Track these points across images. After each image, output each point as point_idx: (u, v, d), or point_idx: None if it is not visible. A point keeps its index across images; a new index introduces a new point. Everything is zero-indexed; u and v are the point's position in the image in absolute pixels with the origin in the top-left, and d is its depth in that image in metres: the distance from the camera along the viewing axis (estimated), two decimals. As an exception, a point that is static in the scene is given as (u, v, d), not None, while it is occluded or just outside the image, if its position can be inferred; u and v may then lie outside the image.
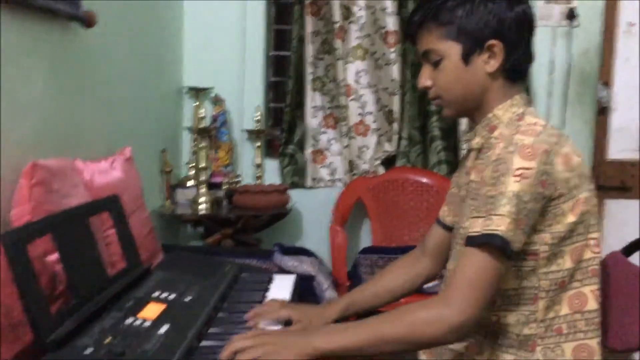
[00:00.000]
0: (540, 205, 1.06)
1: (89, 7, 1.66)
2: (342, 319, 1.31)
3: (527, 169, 1.03)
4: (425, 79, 1.21)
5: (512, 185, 1.03)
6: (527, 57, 1.18)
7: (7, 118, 1.35)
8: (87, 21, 1.61)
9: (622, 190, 2.78)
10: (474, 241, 1.04)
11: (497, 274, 1.04)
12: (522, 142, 1.06)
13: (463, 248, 1.08)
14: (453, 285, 1.05)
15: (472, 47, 1.14)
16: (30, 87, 1.48)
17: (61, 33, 1.62)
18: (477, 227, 1.05)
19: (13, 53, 1.37)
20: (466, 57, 1.15)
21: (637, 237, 1.33)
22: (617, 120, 2.79)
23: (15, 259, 0.97)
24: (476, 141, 1.20)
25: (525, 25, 1.16)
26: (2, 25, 1.33)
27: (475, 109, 1.20)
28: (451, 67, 1.16)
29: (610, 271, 1.21)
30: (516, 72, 1.18)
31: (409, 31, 1.22)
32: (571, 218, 1.09)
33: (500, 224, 1.02)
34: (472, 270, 1.03)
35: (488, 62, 1.15)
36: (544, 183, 1.04)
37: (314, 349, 1.03)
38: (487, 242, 1.02)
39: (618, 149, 2.80)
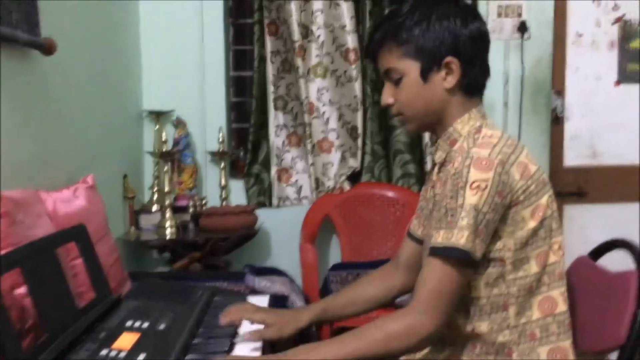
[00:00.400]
0: (499, 215, 1.09)
1: (46, 34, 1.64)
2: (315, 323, 1.32)
3: (484, 180, 1.07)
4: (387, 97, 1.24)
5: (470, 198, 1.06)
6: (483, 72, 1.22)
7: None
8: (47, 48, 1.58)
9: (579, 196, 2.86)
10: (436, 252, 1.09)
11: (460, 283, 1.09)
12: (478, 154, 1.10)
13: (426, 258, 1.12)
14: (419, 295, 1.09)
15: (430, 65, 1.18)
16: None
17: (20, 61, 1.59)
18: (439, 238, 1.08)
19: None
20: (425, 75, 1.18)
21: (597, 240, 1.37)
22: (571, 128, 2.88)
23: (-16, 296, 0.93)
24: (438, 155, 1.24)
25: (480, 42, 1.20)
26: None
27: (436, 123, 1.23)
28: (411, 85, 1.20)
29: (579, 275, 1.25)
30: (473, 87, 1.22)
31: (370, 50, 1.25)
32: (532, 224, 1.12)
33: (459, 237, 1.06)
34: (436, 280, 1.08)
35: (446, 79, 1.18)
36: (500, 193, 1.08)
37: None
38: (448, 254, 1.07)
39: (573, 156, 2.89)
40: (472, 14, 1.21)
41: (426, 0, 1.22)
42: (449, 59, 1.17)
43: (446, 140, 1.22)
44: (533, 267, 1.14)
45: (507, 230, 1.12)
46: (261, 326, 1.26)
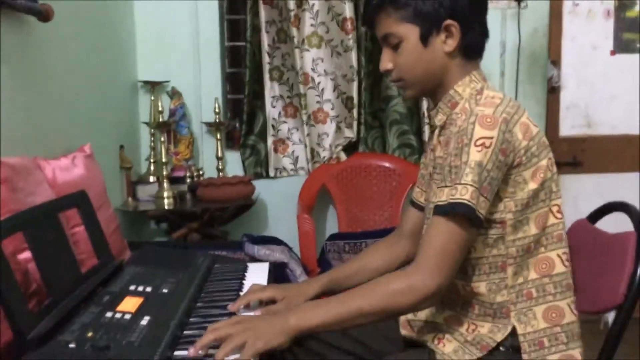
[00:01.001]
0: (502, 173, 1.10)
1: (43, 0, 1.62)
2: (323, 294, 1.33)
3: (488, 138, 1.07)
4: (386, 62, 1.24)
5: (474, 155, 1.06)
6: (482, 34, 1.23)
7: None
8: (45, 14, 1.56)
9: (575, 166, 2.88)
10: (440, 210, 1.08)
11: (465, 240, 1.08)
12: (482, 112, 1.10)
13: (430, 217, 1.12)
14: (423, 254, 1.09)
15: (429, 29, 1.18)
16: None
17: (17, 27, 1.57)
18: (443, 196, 1.08)
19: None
20: (424, 39, 1.18)
21: (592, 209, 1.38)
22: (567, 98, 2.89)
23: (-10, 257, 0.94)
24: (439, 118, 1.24)
25: (477, 4, 1.21)
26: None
27: (436, 88, 1.23)
28: (411, 49, 1.19)
29: (577, 238, 1.26)
30: (473, 49, 1.22)
31: (367, 16, 1.25)
32: (532, 185, 1.13)
33: (464, 193, 1.05)
34: (440, 238, 1.07)
35: (446, 42, 1.19)
36: (504, 151, 1.08)
37: (292, 328, 1.06)
38: (452, 211, 1.06)
39: (569, 126, 2.90)
40: None
41: None
42: (448, 22, 1.17)
43: (447, 103, 1.22)
44: (532, 229, 1.15)
45: (509, 191, 1.13)
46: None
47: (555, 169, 1.18)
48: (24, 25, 1.60)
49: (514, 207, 1.13)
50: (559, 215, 1.18)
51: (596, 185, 2.85)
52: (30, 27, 1.63)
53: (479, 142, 1.07)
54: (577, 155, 2.88)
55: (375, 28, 1.24)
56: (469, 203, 1.05)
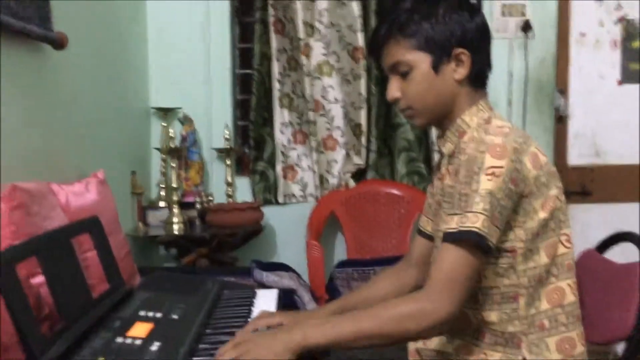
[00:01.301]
0: (512, 202, 1.10)
1: (57, 29, 1.66)
2: None
3: (498, 167, 1.08)
4: (394, 91, 1.24)
5: (485, 184, 1.07)
6: (488, 64, 1.25)
7: (-17, 142, 1.33)
8: (59, 42, 1.59)
9: (583, 195, 2.88)
10: (450, 237, 1.08)
11: (475, 268, 1.08)
12: (493, 141, 1.11)
13: (439, 245, 1.12)
14: (433, 279, 1.08)
15: (441, 57, 1.19)
16: (4, 110, 1.46)
17: (33, 55, 1.61)
18: (452, 224, 1.08)
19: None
20: (436, 67, 1.19)
21: (601, 239, 1.38)
22: (574, 126, 2.90)
23: (5, 281, 0.95)
24: (447, 147, 1.25)
25: (485, 34, 1.23)
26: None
27: (444, 116, 1.24)
28: (422, 77, 1.20)
29: (585, 267, 1.26)
30: (480, 78, 1.24)
31: (374, 46, 1.26)
32: (542, 214, 1.14)
33: (475, 221, 1.05)
34: (450, 265, 1.07)
35: (456, 70, 1.20)
36: (514, 180, 1.09)
37: (297, 344, 1.05)
38: (463, 238, 1.06)
39: (577, 155, 2.91)
40: (476, 7, 1.24)
41: None
42: (459, 50, 1.18)
43: (454, 132, 1.23)
44: (543, 258, 1.15)
45: (519, 220, 1.13)
46: None
47: (564, 198, 1.18)
48: (40, 52, 1.64)
49: (524, 235, 1.13)
50: (568, 245, 1.18)
51: (605, 215, 2.84)
52: (45, 54, 1.67)
53: (489, 171, 1.08)
54: (586, 185, 2.88)
55: (382, 57, 1.25)
56: (480, 231, 1.05)
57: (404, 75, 1.22)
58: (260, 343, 1.06)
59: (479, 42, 1.21)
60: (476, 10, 1.22)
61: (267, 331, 1.17)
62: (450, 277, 1.07)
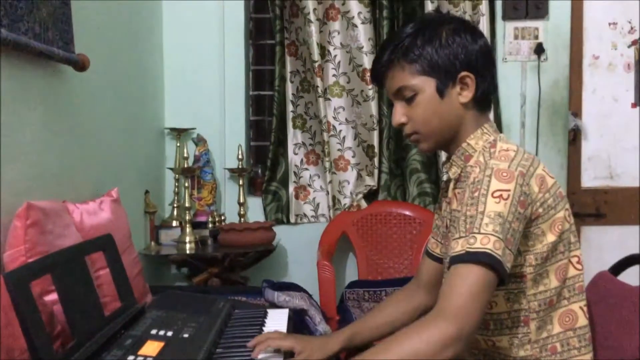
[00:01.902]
0: (523, 226, 1.08)
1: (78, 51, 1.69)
2: (346, 349, 1.32)
3: (505, 190, 1.06)
4: (400, 116, 1.23)
5: (493, 206, 1.04)
6: (493, 86, 1.24)
7: (2, 160, 1.36)
8: (81, 64, 1.62)
9: (597, 217, 2.86)
10: (457, 259, 1.03)
11: (487, 289, 1.02)
12: (498, 166, 1.09)
13: (446, 271, 1.09)
14: (442, 301, 1.03)
15: (446, 81, 1.18)
16: (24, 129, 1.49)
17: (54, 76, 1.64)
18: (458, 247, 1.05)
19: (8, 97, 1.39)
20: (441, 91, 1.19)
21: (615, 262, 1.37)
22: (588, 149, 2.89)
23: (19, 298, 0.97)
24: (453, 171, 1.24)
25: (488, 56, 1.23)
26: (1, 71, 1.34)
27: (450, 140, 1.23)
28: (427, 101, 1.19)
29: (599, 289, 1.25)
30: (485, 101, 1.23)
31: (377, 72, 1.25)
32: (551, 238, 1.12)
33: (486, 242, 1.01)
34: (460, 284, 1.01)
35: (461, 94, 1.19)
36: (523, 203, 1.07)
37: None
38: (472, 259, 1.01)
39: (591, 177, 2.89)
40: (478, 30, 1.24)
41: (431, 20, 1.24)
42: (464, 73, 1.18)
43: (460, 156, 1.22)
44: (553, 282, 1.14)
45: (528, 244, 1.12)
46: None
47: (572, 220, 1.17)
48: (60, 73, 1.67)
49: (533, 260, 1.12)
50: (579, 267, 1.17)
51: (619, 237, 2.81)
52: (66, 75, 1.70)
53: (496, 194, 1.06)
54: (600, 207, 2.86)
55: (386, 83, 1.24)
56: (493, 253, 1.01)
57: (409, 101, 1.21)
58: None
59: (483, 65, 1.20)
60: (479, 33, 1.22)
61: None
62: (460, 296, 1.01)
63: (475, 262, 1.02)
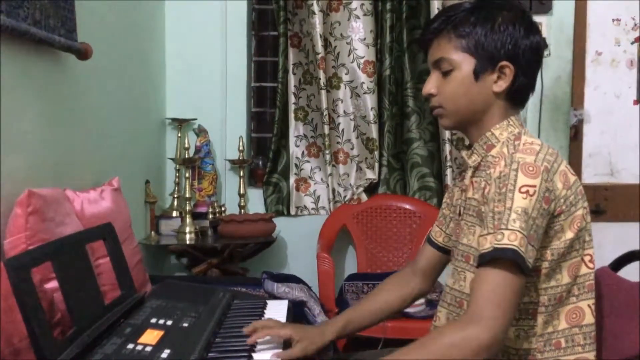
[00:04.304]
0: (545, 222, 1.08)
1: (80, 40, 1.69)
2: (341, 337, 1.33)
3: (532, 186, 1.05)
4: (431, 86, 1.23)
5: (520, 202, 1.04)
6: (532, 85, 1.22)
7: (3, 148, 1.36)
8: (83, 53, 1.62)
9: (597, 214, 2.86)
10: (486, 257, 1.04)
11: (516, 287, 1.04)
12: (524, 160, 1.08)
13: (476, 269, 1.08)
14: (474, 304, 1.04)
15: (485, 65, 1.17)
16: (25, 117, 1.49)
17: (55, 64, 1.63)
18: (487, 244, 1.05)
19: (9, 84, 1.38)
20: (477, 73, 1.18)
21: (614, 258, 1.37)
22: (589, 145, 2.88)
23: (20, 285, 0.97)
24: (473, 159, 1.22)
25: (536, 55, 1.20)
26: (1, 58, 1.34)
27: (472, 124, 1.22)
28: (461, 79, 1.19)
29: (600, 286, 1.25)
30: (519, 97, 1.21)
31: (426, 36, 1.24)
32: (569, 234, 1.12)
33: (513, 239, 1.02)
34: (491, 286, 1.03)
35: (497, 82, 1.18)
36: (547, 200, 1.07)
37: None
38: (500, 257, 1.03)
39: (592, 174, 2.89)
40: (535, 27, 1.21)
41: (492, 2, 1.21)
42: (504, 63, 1.16)
43: (482, 145, 1.21)
44: (565, 278, 1.14)
45: (547, 240, 1.11)
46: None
47: (589, 218, 1.16)
48: (62, 62, 1.67)
49: (550, 256, 1.12)
50: (590, 265, 1.16)
51: (619, 234, 2.81)
52: (68, 64, 1.70)
53: (523, 189, 1.05)
54: (600, 204, 2.86)
55: (429, 50, 1.23)
56: (518, 250, 1.02)
57: (445, 74, 1.20)
58: None
59: (527, 61, 1.18)
60: (535, 29, 1.20)
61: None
62: (492, 299, 1.02)
63: (502, 260, 1.03)
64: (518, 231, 1.03)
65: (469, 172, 1.24)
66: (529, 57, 1.18)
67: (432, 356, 1.02)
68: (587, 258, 1.17)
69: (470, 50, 1.18)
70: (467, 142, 1.28)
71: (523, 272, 1.04)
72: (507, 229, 1.04)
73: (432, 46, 1.23)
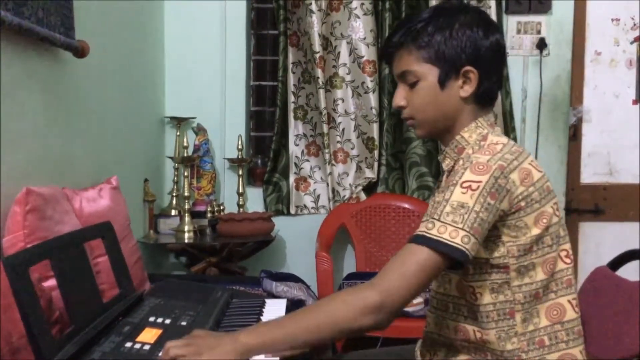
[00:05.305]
0: (493, 216, 1.08)
1: (79, 37, 1.68)
2: None
3: (476, 182, 1.07)
4: (400, 99, 1.24)
5: (458, 196, 1.06)
6: (498, 84, 1.23)
7: (1, 146, 1.35)
8: (81, 51, 1.62)
9: (596, 213, 2.86)
10: (412, 239, 1.07)
11: (430, 270, 1.05)
12: (477, 159, 1.11)
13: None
14: (382, 271, 1.07)
15: (448, 72, 1.18)
16: (24, 115, 1.49)
17: (55, 62, 1.63)
18: (421, 228, 1.08)
19: (10, 82, 1.38)
20: (442, 81, 1.19)
21: (613, 257, 1.38)
22: (588, 145, 2.88)
23: (18, 283, 0.96)
24: (446, 163, 1.24)
25: (498, 54, 1.22)
26: (1, 55, 1.34)
27: (445, 130, 1.24)
28: (427, 90, 1.20)
29: (598, 285, 1.26)
30: (487, 98, 1.22)
31: (387, 51, 1.26)
32: (535, 231, 1.12)
33: (442, 232, 1.05)
34: (401, 259, 1.06)
35: (462, 88, 1.19)
36: (493, 195, 1.07)
37: (242, 345, 1.04)
38: (424, 243, 1.05)
39: (591, 173, 2.89)
40: (494, 26, 1.22)
41: (448, 8, 1.23)
42: (468, 68, 1.18)
43: (454, 148, 1.23)
44: (539, 274, 1.14)
45: (511, 235, 1.12)
46: None
47: (560, 213, 1.17)
48: (61, 60, 1.67)
49: (516, 251, 1.12)
50: (567, 260, 1.17)
51: (618, 233, 2.82)
52: (67, 62, 1.69)
53: (465, 185, 1.07)
54: (599, 203, 2.86)
55: (393, 64, 1.25)
56: (448, 242, 1.04)
57: (412, 85, 1.22)
58: (206, 344, 1.03)
59: (490, 62, 1.19)
60: (493, 28, 1.21)
61: (216, 334, 1.14)
62: (397, 271, 1.05)
63: (425, 245, 1.05)
64: (449, 224, 1.05)
65: (444, 176, 1.26)
66: (490, 58, 1.19)
67: (321, 314, 1.06)
68: (563, 253, 1.17)
69: (432, 60, 1.19)
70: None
71: (446, 261, 1.05)
72: (438, 220, 1.06)
73: (395, 60, 1.24)
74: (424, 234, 1.06)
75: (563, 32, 2.83)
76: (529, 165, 1.14)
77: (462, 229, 1.04)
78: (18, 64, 1.43)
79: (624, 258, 1.32)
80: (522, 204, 1.11)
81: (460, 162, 1.14)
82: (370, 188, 2.84)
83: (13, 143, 1.42)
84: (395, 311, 1.06)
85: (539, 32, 2.83)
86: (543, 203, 1.13)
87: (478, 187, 1.07)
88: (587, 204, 2.85)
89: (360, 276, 2.59)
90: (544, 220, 1.13)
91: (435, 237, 1.05)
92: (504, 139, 1.17)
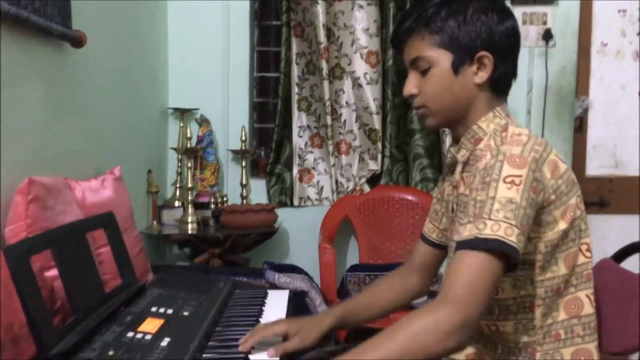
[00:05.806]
0: (534, 212, 1.05)
1: (77, 27, 1.68)
2: (338, 328, 1.30)
3: (517, 176, 1.03)
4: (411, 87, 1.20)
5: (504, 192, 1.01)
6: (513, 71, 1.20)
7: (3, 137, 1.35)
8: (78, 40, 1.61)
9: (601, 206, 2.84)
10: (466, 245, 1.00)
11: (495, 274, 0.99)
12: (510, 151, 1.06)
13: (454, 255, 1.04)
14: (447, 288, 0.99)
15: (462, 58, 1.15)
16: (26, 106, 1.48)
17: (55, 53, 1.62)
18: (465, 232, 1.02)
19: (9, 73, 1.38)
20: (456, 67, 1.15)
21: (618, 250, 1.37)
22: (594, 137, 2.87)
23: (19, 272, 0.96)
24: (462, 154, 1.20)
25: (513, 40, 1.18)
26: (1, 45, 1.33)
27: (458, 120, 1.20)
28: (440, 76, 1.16)
29: (602, 277, 1.24)
30: (502, 85, 1.19)
31: (397, 37, 1.21)
32: (563, 225, 1.10)
33: (496, 229, 0.98)
34: (468, 270, 0.98)
35: (477, 74, 1.15)
36: (535, 189, 1.04)
37: None
38: (482, 246, 0.98)
39: (596, 166, 2.87)
40: (508, 12, 1.19)
41: None
42: (482, 53, 1.14)
43: (469, 139, 1.19)
44: (561, 269, 1.12)
45: (540, 231, 1.09)
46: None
47: (583, 206, 1.14)
48: (61, 50, 1.66)
49: (543, 248, 1.10)
50: (588, 254, 1.14)
51: (623, 226, 2.80)
52: (66, 52, 1.69)
53: (508, 180, 1.02)
54: (604, 196, 2.84)
55: (404, 50, 1.21)
56: (505, 240, 0.98)
57: (424, 72, 1.18)
58: None
59: (505, 48, 1.16)
60: (508, 14, 1.18)
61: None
62: (467, 284, 0.97)
63: (484, 249, 0.98)
64: (502, 221, 0.99)
65: (459, 168, 1.22)
66: (505, 43, 1.16)
67: (402, 342, 0.95)
68: (584, 247, 1.14)
69: (445, 45, 1.15)
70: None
71: (505, 263, 1.00)
72: (489, 219, 1.00)
73: (406, 46, 1.20)
74: (478, 235, 0.99)
75: (569, 23, 2.81)
76: (555, 157, 1.11)
77: (516, 226, 0.99)
78: (17, 54, 1.42)
79: (628, 251, 1.30)
80: (553, 197, 1.08)
81: (487, 155, 1.09)
82: (374, 180, 2.83)
83: (14, 134, 1.42)
84: (476, 326, 0.98)
85: (544, 23, 2.81)
86: (570, 195, 1.10)
87: (520, 181, 1.02)
88: (593, 196, 2.83)
89: (364, 268, 2.59)
90: (570, 214, 1.10)
91: (492, 237, 0.98)
92: (526, 130, 1.14)
